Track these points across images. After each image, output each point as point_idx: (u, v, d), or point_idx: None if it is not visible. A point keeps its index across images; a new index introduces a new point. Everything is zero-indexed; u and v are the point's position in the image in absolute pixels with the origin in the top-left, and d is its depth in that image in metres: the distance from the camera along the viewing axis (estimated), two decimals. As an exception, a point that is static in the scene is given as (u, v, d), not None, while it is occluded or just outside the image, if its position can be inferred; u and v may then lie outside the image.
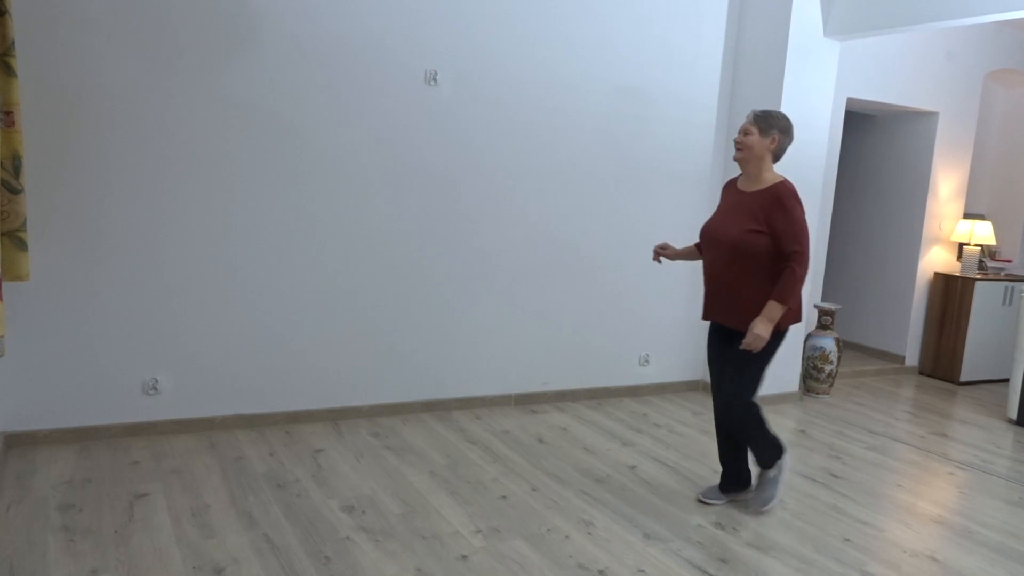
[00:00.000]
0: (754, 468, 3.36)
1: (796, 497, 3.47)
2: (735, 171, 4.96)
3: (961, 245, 6.15)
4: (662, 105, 4.73)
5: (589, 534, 2.97)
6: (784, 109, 4.63)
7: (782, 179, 3.06)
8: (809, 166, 4.82)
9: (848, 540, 3.07)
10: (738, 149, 3.09)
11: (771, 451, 3.26)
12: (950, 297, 5.99)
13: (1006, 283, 5.97)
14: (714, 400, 3.28)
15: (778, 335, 3.08)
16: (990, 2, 3.82)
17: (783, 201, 2.99)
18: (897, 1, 4.28)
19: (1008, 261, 6.21)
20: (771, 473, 3.29)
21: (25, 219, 3.12)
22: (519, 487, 3.37)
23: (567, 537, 2.93)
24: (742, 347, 3.01)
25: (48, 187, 3.35)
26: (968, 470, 4.01)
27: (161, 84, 3.49)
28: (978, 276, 5.90)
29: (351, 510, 3.03)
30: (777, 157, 3.10)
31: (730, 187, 3.24)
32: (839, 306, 5.36)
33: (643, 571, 2.71)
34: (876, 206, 6.35)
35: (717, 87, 4.91)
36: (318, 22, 3.75)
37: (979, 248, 6.02)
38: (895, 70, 5.57)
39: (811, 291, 5.45)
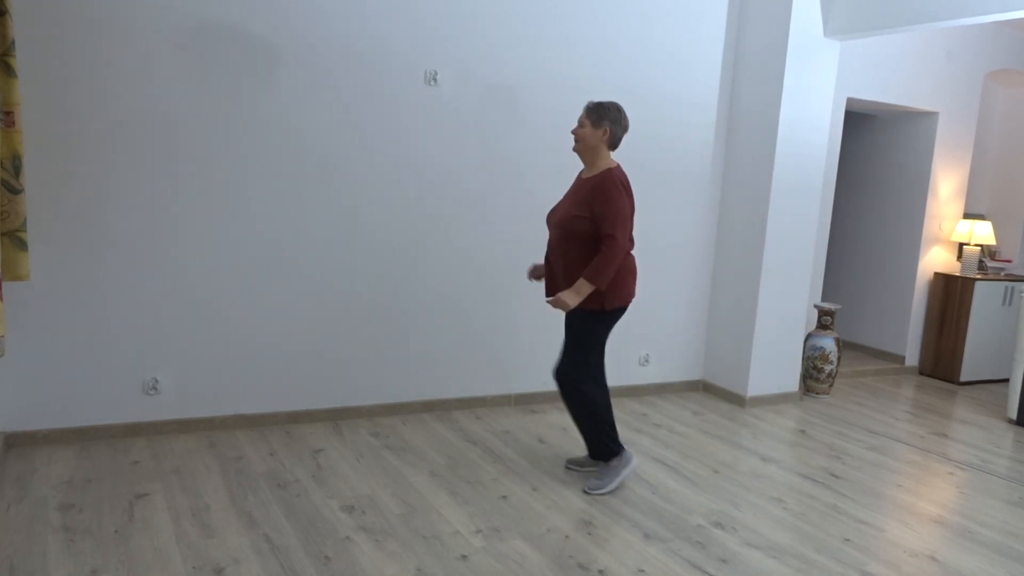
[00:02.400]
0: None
1: (796, 497, 3.48)
2: (734, 171, 4.96)
3: (961, 245, 6.15)
4: (662, 105, 4.73)
5: (589, 534, 2.97)
6: (784, 109, 4.63)
7: (613, 166, 3.25)
8: (809, 166, 4.82)
9: (848, 540, 3.07)
10: (575, 140, 3.30)
11: (603, 445, 3.40)
12: (950, 297, 5.99)
13: (1006, 283, 5.97)
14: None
15: (602, 316, 3.27)
16: (990, 2, 3.82)
17: (604, 187, 3.18)
18: (897, 1, 4.28)
19: (1008, 261, 6.21)
20: (612, 463, 3.42)
21: (25, 219, 3.13)
22: (519, 487, 3.37)
23: (567, 537, 2.93)
24: (547, 301, 3.26)
25: (48, 187, 3.35)
26: (968, 470, 4.01)
27: (161, 84, 3.49)
28: (978, 276, 5.90)
29: (351, 510, 3.03)
30: (612, 146, 3.29)
31: (578, 175, 3.44)
32: (839, 306, 5.36)
33: (643, 571, 2.71)
34: (876, 206, 6.35)
35: (717, 87, 4.91)
36: (318, 22, 3.75)
37: (979, 248, 6.02)
38: (895, 70, 5.57)
39: (811, 291, 5.45)
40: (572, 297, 3.15)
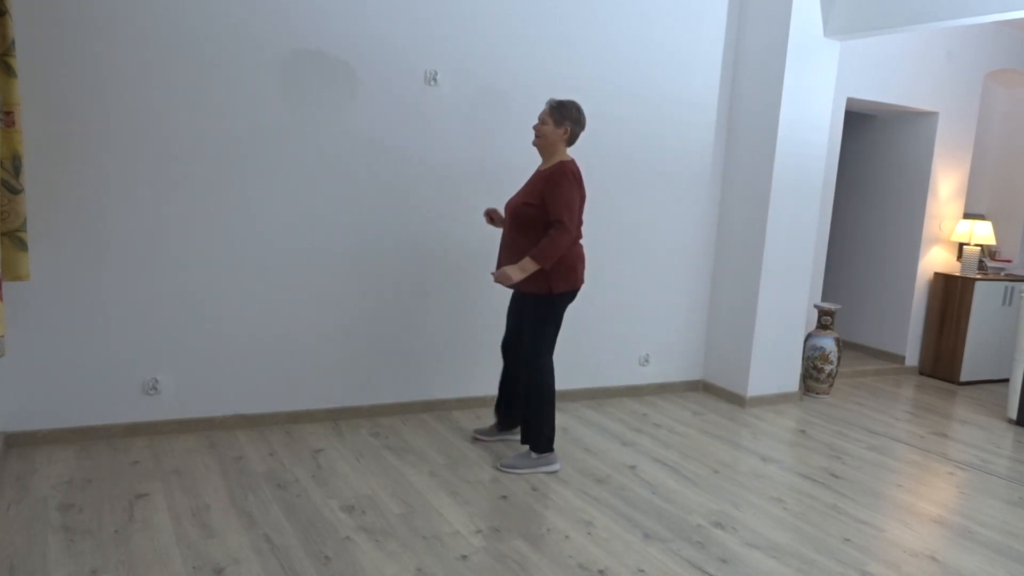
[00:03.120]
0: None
1: (796, 497, 3.48)
2: (734, 171, 4.96)
3: (961, 245, 6.15)
4: (662, 105, 4.73)
5: (589, 534, 2.97)
6: (784, 109, 4.63)
7: (566, 160, 3.42)
8: (809, 166, 4.82)
9: (848, 540, 3.07)
10: (536, 136, 3.45)
11: (540, 435, 3.52)
12: (950, 297, 5.99)
13: (1006, 283, 5.97)
14: (503, 346, 3.78)
15: (550, 300, 3.42)
16: (990, 2, 3.83)
17: (555, 176, 3.34)
18: (897, 1, 4.28)
19: (1008, 261, 6.21)
20: (535, 456, 3.55)
21: (25, 219, 3.12)
22: (519, 487, 3.37)
23: (567, 537, 2.93)
24: (492, 274, 3.52)
25: (48, 187, 3.35)
26: (968, 470, 4.01)
27: (161, 84, 3.49)
28: (978, 276, 5.90)
29: (351, 510, 3.03)
30: (570, 143, 3.47)
31: (538, 168, 3.58)
32: (839, 306, 5.36)
33: (643, 571, 2.71)
34: (876, 206, 6.35)
35: (717, 87, 4.91)
36: (318, 22, 3.75)
37: (979, 248, 6.02)
38: (895, 70, 5.57)
39: (811, 291, 5.45)
40: (515, 272, 3.32)
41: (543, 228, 3.36)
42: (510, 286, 3.39)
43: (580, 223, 3.41)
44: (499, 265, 3.56)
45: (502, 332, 4.46)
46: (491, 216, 3.68)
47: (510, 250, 3.48)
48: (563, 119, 3.40)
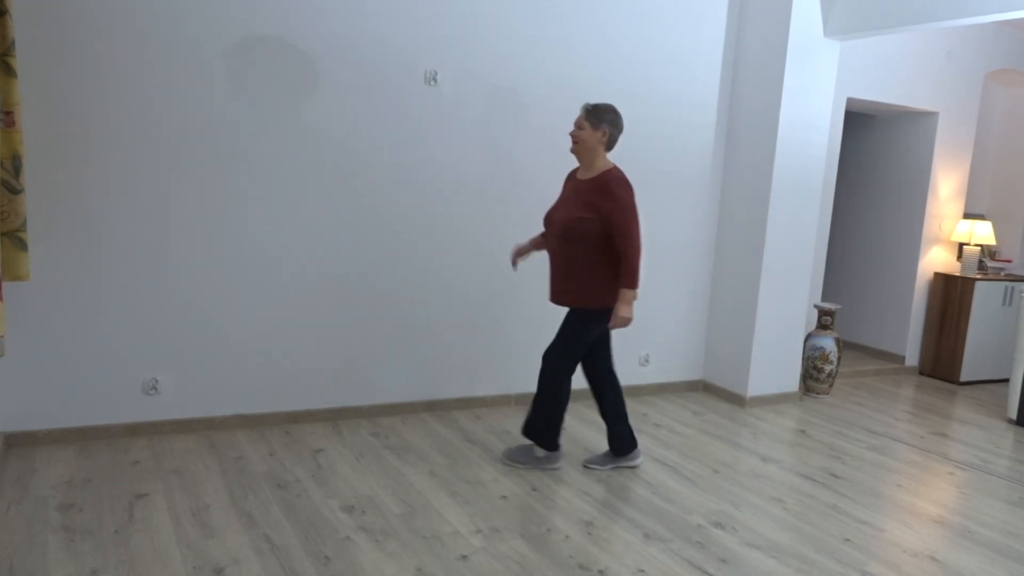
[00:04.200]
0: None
1: (796, 497, 3.48)
2: (734, 171, 4.96)
3: (961, 245, 6.15)
4: (662, 105, 4.73)
5: (589, 534, 2.97)
6: (784, 109, 4.63)
7: (612, 167, 3.32)
8: (809, 166, 4.82)
9: (848, 540, 3.07)
10: (573, 142, 3.36)
11: (545, 431, 3.50)
12: (950, 297, 5.99)
13: (1006, 283, 5.97)
14: (590, 377, 3.64)
15: (598, 314, 3.35)
16: (990, 2, 3.83)
17: (609, 186, 3.24)
18: (897, 1, 4.28)
19: (1008, 261, 6.21)
20: (539, 453, 3.54)
21: (25, 219, 3.12)
22: (519, 487, 3.37)
23: (567, 537, 2.93)
24: (609, 326, 3.34)
25: (48, 187, 3.35)
26: (968, 470, 4.01)
27: (161, 84, 3.49)
28: (978, 276, 5.90)
29: (351, 510, 3.03)
30: (609, 147, 3.37)
31: (571, 177, 3.50)
32: (839, 306, 5.36)
33: (643, 571, 2.71)
34: (876, 206, 6.35)
35: (717, 87, 4.91)
36: (318, 22, 3.75)
37: (979, 248, 6.02)
38: (895, 70, 5.57)
39: (811, 291, 5.45)
40: (626, 309, 3.27)
41: (601, 241, 3.27)
42: (563, 302, 3.38)
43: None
44: (553, 281, 3.45)
45: (502, 332, 4.46)
46: (520, 253, 3.65)
47: (562, 268, 3.38)
48: (600, 121, 3.31)
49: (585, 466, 3.63)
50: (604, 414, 3.61)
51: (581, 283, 3.34)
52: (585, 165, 3.40)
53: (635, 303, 4.83)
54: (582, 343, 3.42)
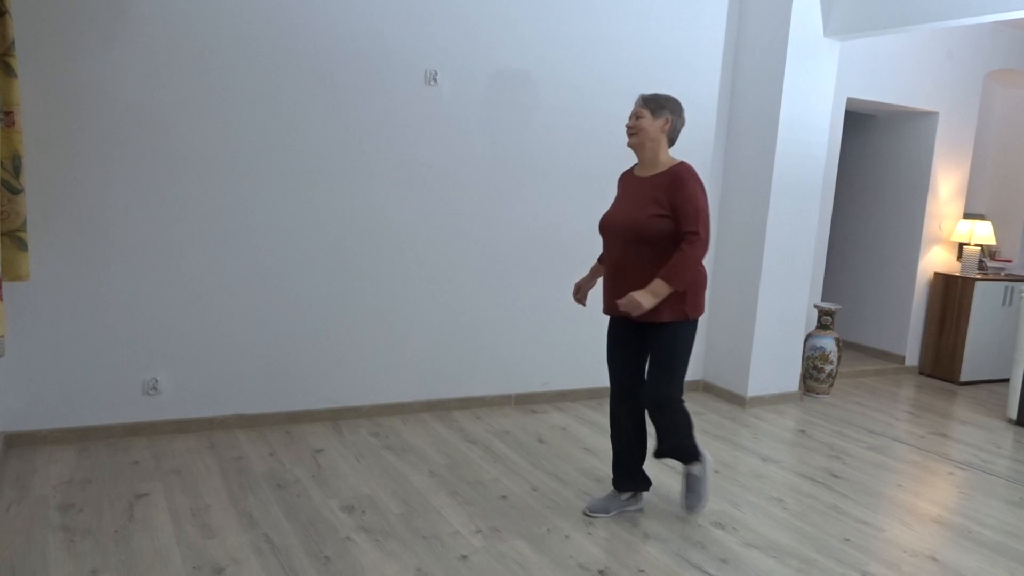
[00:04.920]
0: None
1: (796, 497, 3.47)
2: (734, 171, 4.96)
3: (961, 245, 6.15)
4: (662, 105, 4.73)
5: (589, 534, 2.96)
6: (784, 109, 4.63)
7: (680, 161, 2.94)
8: (809, 166, 4.82)
9: (848, 540, 3.07)
10: (631, 134, 2.95)
11: (690, 446, 3.09)
12: (950, 297, 5.99)
13: (1006, 283, 5.97)
14: (618, 398, 3.13)
15: (686, 327, 2.94)
16: (990, 2, 3.82)
17: (684, 180, 2.85)
18: (897, 1, 4.28)
19: (1008, 261, 6.21)
20: (695, 471, 3.14)
21: (25, 219, 3.12)
22: (519, 487, 3.37)
23: (567, 537, 2.93)
24: (619, 305, 2.85)
25: (48, 187, 3.35)
26: (968, 470, 4.01)
27: (161, 84, 3.49)
28: (978, 276, 5.90)
29: (351, 510, 3.03)
30: (672, 140, 2.98)
31: (626, 177, 3.11)
32: (839, 306, 5.36)
33: (643, 571, 2.71)
34: (876, 206, 6.35)
35: (717, 87, 4.91)
36: (318, 21, 3.75)
37: (979, 248, 6.02)
38: (895, 70, 5.57)
39: (811, 291, 5.45)
40: (647, 298, 2.80)
41: (674, 240, 2.87)
42: (639, 316, 2.87)
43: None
44: (612, 295, 3.01)
45: (502, 332, 4.46)
46: (583, 289, 3.28)
47: (634, 273, 2.92)
48: (661, 108, 2.91)
49: (585, 514, 3.17)
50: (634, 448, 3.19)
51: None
52: (647, 161, 2.98)
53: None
54: (685, 360, 2.97)
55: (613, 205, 3.09)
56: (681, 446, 3.07)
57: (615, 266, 3.00)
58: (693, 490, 3.16)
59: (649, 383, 2.98)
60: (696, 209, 2.83)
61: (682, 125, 2.99)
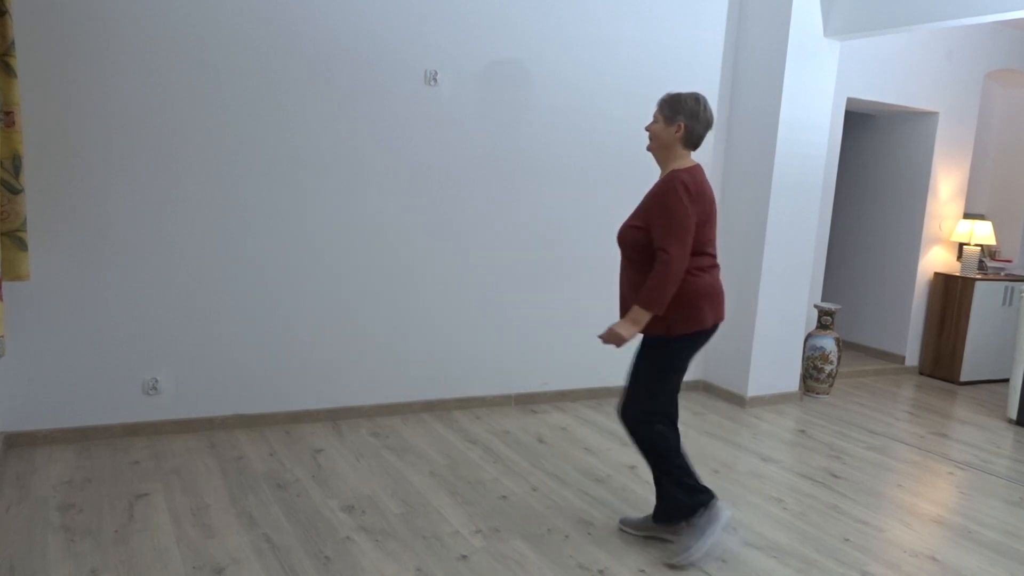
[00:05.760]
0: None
1: (796, 497, 3.47)
2: (734, 171, 4.96)
3: (961, 245, 6.15)
4: (662, 105, 4.73)
5: (589, 534, 2.96)
6: (784, 109, 4.63)
7: (680, 168, 2.73)
8: (809, 166, 4.82)
9: (848, 540, 3.07)
10: (649, 138, 2.84)
11: (672, 502, 2.82)
12: (950, 297, 5.99)
13: (1006, 283, 5.97)
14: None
15: (666, 344, 2.76)
16: (990, 2, 3.83)
17: (663, 192, 2.68)
18: (897, 1, 4.28)
19: (1008, 261, 6.21)
20: (693, 521, 2.81)
21: (25, 219, 3.12)
22: (519, 487, 3.37)
23: (567, 537, 2.93)
24: (600, 335, 2.75)
25: (48, 187, 3.35)
26: (968, 470, 4.01)
27: (161, 84, 3.49)
28: (978, 276, 5.90)
29: (351, 510, 3.03)
30: (691, 145, 2.78)
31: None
32: (839, 306, 5.36)
33: (643, 571, 2.71)
34: (876, 206, 6.35)
35: (717, 87, 4.91)
36: (318, 22, 3.75)
37: (979, 248, 6.02)
38: (895, 70, 5.57)
39: (811, 291, 5.45)
40: (626, 328, 2.68)
41: (650, 255, 2.73)
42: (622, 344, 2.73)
43: (708, 248, 2.76)
44: (621, 305, 2.87)
45: (502, 332, 4.47)
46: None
47: (625, 280, 2.83)
48: (675, 113, 2.73)
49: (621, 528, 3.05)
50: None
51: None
52: (661, 165, 2.84)
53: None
54: (652, 379, 2.80)
55: None
56: (658, 497, 2.87)
57: (619, 276, 2.92)
58: (684, 536, 2.82)
59: (627, 390, 2.87)
60: (667, 223, 2.64)
61: (702, 127, 2.77)
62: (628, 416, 2.83)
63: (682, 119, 2.74)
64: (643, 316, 2.67)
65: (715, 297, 2.78)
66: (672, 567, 2.75)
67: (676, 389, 2.88)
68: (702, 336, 2.79)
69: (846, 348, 6.52)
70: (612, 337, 2.71)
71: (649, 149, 2.85)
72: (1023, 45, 6.12)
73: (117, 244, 3.51)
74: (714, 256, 2.80)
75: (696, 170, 2.75)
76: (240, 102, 3.65)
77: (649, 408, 2.80)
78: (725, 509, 2.81)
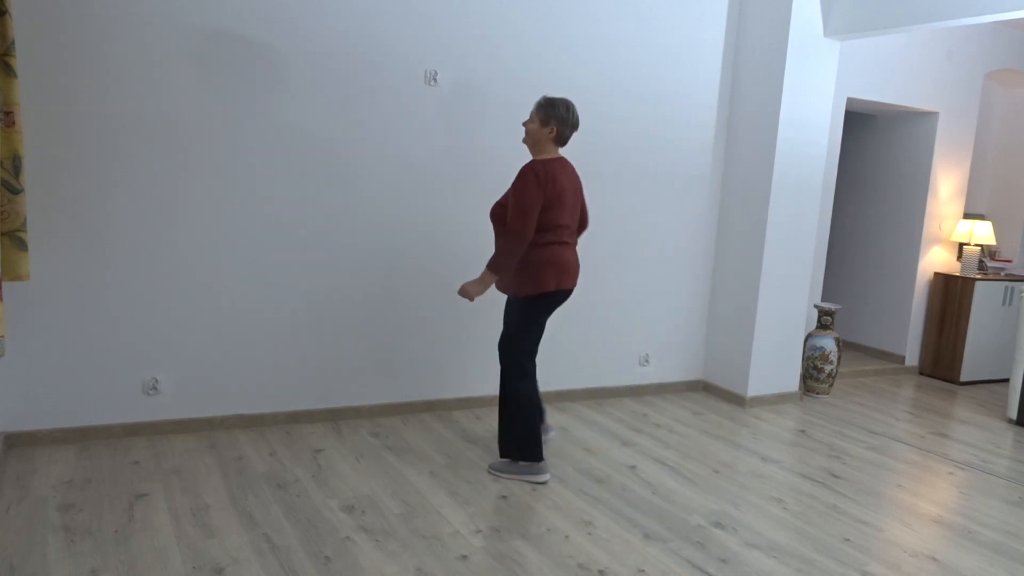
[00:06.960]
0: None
1: (796, 497, 3.48)
2: (734, 171, 4.97)
3: (961, 245, 6.15)
4: (662, 105, 4.73)
5: (589, 534, 2.97)
6: (784, 109, 4.63)
7: (538, 159, 3.28)
8: (809, 166, 4.82)
9: (848, 540, 3.07)
10: (525, 134, 3.35)
11: (514, 446, 3.41)
12: (950, 297, 5.99)
13: (1006, 283, 5.97)
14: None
15: (519, 303, 3.32)
16: (990, 2, 3.83)
17: (517, 177, 3.23)
18: (897, 1, 4.28)
19: (1008, 261, 6.21)
20: (522, 463, 3.42)
21: (25, 219, 3.12)
22: (519, 487, 3.37)
23: (567, 537, 2.93)
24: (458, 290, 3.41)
25: (48, 187, 3.35)
26: (968, 470, 4.01)
27: (161, 84, 3.49)
28: (978, 276, 5.90)
29: (351, 510, 3.03)
30: (560, 143, 3.32)
31: None
32: (839, 306, 5.36)
33: (643, 571, 2.71)
34: (876, 206, 6.35)
35: (717, 87, 4.91)
36: (318, 22, 3.75)
37: (979, 248, 6.02)
38: (895, 70, 5.57)
39: (811, 291, 5.45)
40: (474, 286, 3.29)
41: None
42: (502, 290, 3.37)
43: (561, 222, 3.26)
44: None
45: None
46: None
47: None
48: (549, 118, 3.26)
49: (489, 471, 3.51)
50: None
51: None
52: (533, 156, 3.39)
53: (629, 301, 4.84)
54: (520, 332, 3.36)
55: None
56: (503, 436, 3.42)
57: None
58: (506, 463, 3.45)
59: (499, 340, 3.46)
60: (516, 203, 3.19)
61: (570, 130, 3.31)
62: (503, 357, 3.39)
63: (554, 123, 3.27)
64: (489, 277, 3.27)
65: (559, 267, 3.28)
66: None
67: (536, 341, 3.40)
68: (550, 297, 3.31)
69: (846, 348, 6.52)
70: (464, 292, 3.31)
71: (524, 142, 3.37)
72: (1023, 45, 6.12)
73: (117, 244, 3.51)
74: (566, 234, 3.30)
75: (554, 162, 3.28)
76: (240, 102, 3.65)
77: (515, 354, 3.36)
78: (547, 472, 3.43)
